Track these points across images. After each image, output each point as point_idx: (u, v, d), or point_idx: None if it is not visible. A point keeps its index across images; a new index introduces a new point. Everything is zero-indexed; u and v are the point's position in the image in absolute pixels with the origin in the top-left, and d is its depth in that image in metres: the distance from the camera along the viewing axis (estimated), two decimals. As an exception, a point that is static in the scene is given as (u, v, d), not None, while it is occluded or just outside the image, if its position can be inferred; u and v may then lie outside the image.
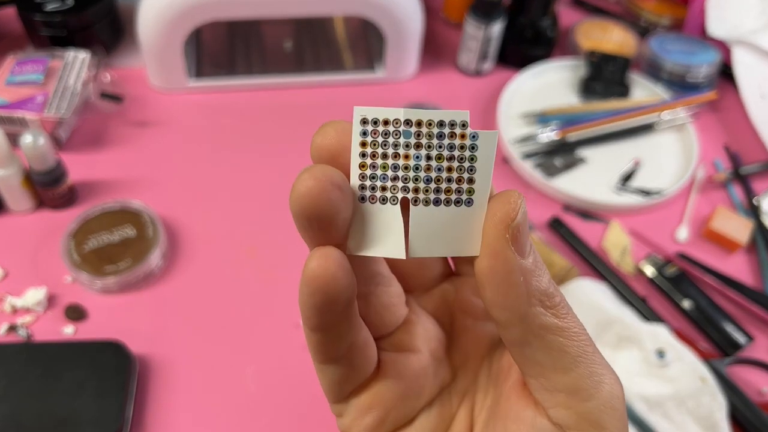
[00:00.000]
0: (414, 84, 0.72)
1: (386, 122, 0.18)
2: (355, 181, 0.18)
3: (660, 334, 0.48)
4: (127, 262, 0.51)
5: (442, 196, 0.18)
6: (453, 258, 0.23)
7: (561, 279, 0.53)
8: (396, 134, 0.18)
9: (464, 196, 0.18)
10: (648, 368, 0.47)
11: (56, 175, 0.53)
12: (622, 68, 0.72)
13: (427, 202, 0.18)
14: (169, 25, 0.61)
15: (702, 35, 0.77)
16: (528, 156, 0.64)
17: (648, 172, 0.64)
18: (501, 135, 0.65)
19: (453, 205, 0.18)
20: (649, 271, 0.56)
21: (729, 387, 0.47)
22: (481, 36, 0.69)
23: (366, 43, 0.75)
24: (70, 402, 0.43)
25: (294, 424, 0.45)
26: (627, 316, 0.50)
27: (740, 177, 0.65)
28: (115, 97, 0.64)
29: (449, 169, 0.18)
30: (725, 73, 0.75)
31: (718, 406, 0.45)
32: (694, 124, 0.69)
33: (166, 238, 0.54)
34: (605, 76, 0.71)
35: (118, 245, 0.52)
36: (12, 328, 0.48)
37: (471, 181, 0.18)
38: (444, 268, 0.23)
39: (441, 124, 0.18)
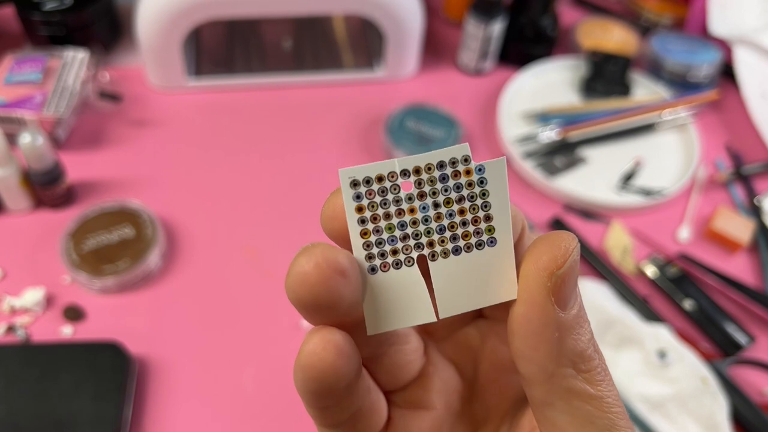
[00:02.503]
0: (414, 83, 0.72)
1: (380, 179, 0.16)
2: (359, 252, 0.16)
3: (661, 335, 0.48)
4: (125, 262, 0.50)
5: (461, 243, 0.16)
6: None
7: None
8: (394, 189, 0.16)
9: (485, 237, 0.16)
10: (649, 369, 0.47)
11: (55, 174, 0.53)
12: (623, 67, 0.72)
13: (446, 254, 0.16)
14: (167, 24, 0.61)
15: (703, 34, 0.77)
16: (529, 155, 0.64)
17: (649, 172, 0.64)
18: (501, 131, 0.65)
19: (475, 249, 0.16)
20: (651, 271, 0.55)
21: (730, 388, 0.47)
22: (482, 35, 0.69)
23: (366, 42, 0.75)
24: (67, 403, 0.42)
25: (293, 425, 0.45)
26: (628, 316, 0.50)
27: (742, 177, 0.65)
28: (113, 97, 0.64)
29: (462, 212, 0.16)
30: (727, 73, 0.75)
31: (719, 406, 0.45)
32: (696, 123, 0.69)
33: (164, 238, 0.54)
34: (606, 76, 0.71)
35: (116, 245, 0.51)
36: (10, 329, 0.48)
37: (488, 218, 0.16)
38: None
39: (441, 165, 0.16)
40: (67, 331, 0.48)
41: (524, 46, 0.74)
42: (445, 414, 0.20)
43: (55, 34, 0.65)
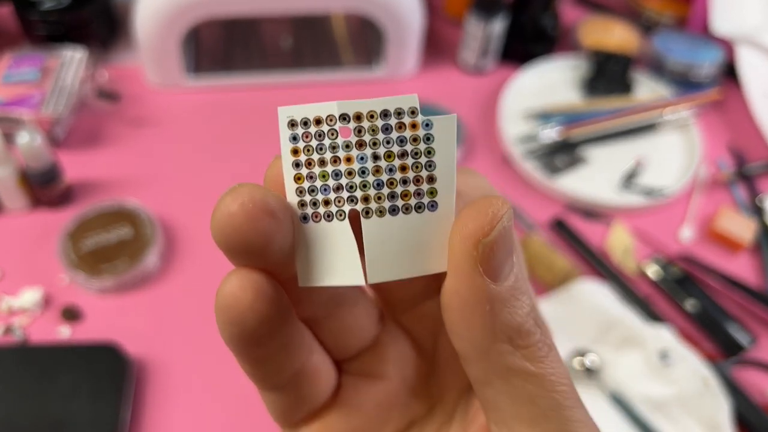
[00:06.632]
0: (414, 82, 0.72)
1: (318, 121, 0.15)
2: (292, 197, 0.15)
3: (663, 336, 0.48)
4: (124, 262, 0.50)
5: (399, 203, 0.15)
6: None
7: (563, 280, 0.52)
8: (332, 134, 0.15)
9: (426, 200, 0.15)
10: (651, 370, 0.47)
11: (52, 174, 0.53)
12: (625, 66, 0.71)
13: (381, 212, 0.15)
14: (166, 22, 0.61)
15: (705, 33, 0.76)
16: (529, 155, 0.63)
17: (651, 172, 0.64)
18: (502, 130, 0.64)
19: (414, 211, 0.15)
20: (652, 271, 0.55)
21: (733, 389, 0.47)
22: (482, 33, 0.69)
23: (366, 40, 0.74)
24: (65, 405, 0.42)
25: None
26: (630, 317, 0.49)
27: (744, 176, 0.65)
28: (111, 96, 0.64)
29: (403, 168, 0.15)
30: (729, 72, 0.75)
31: (720, 407, 0.45)
32: (698, 122, 0.69)
33: (163, 238, 0.53)
34: (607, 75, 0.71)
35: (115, 245, 0.51)
36: (8, 330, 0.47)
37: (431, 179, 0.15)
38: (431, 281, 0.19)
39: (385, 114, 0.15)
40: (64, 332, 0.48)
41: (525, 45, 0.73)
42: (400, 386, 0.19)
43: (53, 32, 0.65)
